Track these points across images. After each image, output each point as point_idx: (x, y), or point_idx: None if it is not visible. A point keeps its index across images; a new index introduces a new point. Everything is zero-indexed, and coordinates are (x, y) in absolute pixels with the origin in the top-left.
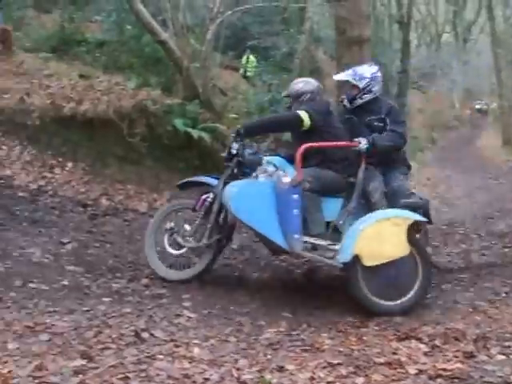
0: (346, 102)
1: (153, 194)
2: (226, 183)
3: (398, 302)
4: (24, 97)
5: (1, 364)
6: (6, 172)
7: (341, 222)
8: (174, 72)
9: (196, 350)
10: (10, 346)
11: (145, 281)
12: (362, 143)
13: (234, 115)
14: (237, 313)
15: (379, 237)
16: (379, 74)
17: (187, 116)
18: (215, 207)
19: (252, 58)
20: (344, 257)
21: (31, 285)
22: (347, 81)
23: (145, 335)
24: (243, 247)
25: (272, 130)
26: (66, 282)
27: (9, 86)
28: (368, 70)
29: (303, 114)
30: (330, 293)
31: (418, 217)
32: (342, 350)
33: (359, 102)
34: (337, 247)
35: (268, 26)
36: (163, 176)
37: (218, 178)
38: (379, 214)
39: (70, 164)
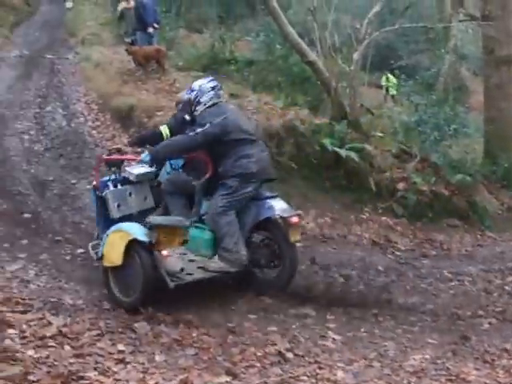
0: (186, 116)
1: None
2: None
3: (132, 298)
4: None
5: (148, 375)
6: None
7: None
8: (321, 91)
9: (340, 374)
10: (158, 358)
11: (289, 300)
12: (143, 156)
13: (380, 134)
14: (381, 337)
15: (112, 244)
16: (210, 84)
17: (335, 136)
18: None
19: (391, 77)
20: (98, 254)
21: None
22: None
23: (289, 355)
24: (389, 269)
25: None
26: None
27: (162, 103)
28: (198, 83)
29: (163, 129)
30: (476, 321)
31: (140, 236)
32: (488, 382)
33: (196, 114)
34: None
35: (413, 45)
36: (310, 195)
37: None
38: (118, 225)
39: None
